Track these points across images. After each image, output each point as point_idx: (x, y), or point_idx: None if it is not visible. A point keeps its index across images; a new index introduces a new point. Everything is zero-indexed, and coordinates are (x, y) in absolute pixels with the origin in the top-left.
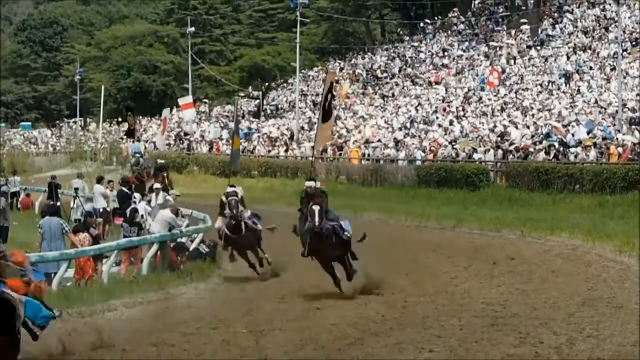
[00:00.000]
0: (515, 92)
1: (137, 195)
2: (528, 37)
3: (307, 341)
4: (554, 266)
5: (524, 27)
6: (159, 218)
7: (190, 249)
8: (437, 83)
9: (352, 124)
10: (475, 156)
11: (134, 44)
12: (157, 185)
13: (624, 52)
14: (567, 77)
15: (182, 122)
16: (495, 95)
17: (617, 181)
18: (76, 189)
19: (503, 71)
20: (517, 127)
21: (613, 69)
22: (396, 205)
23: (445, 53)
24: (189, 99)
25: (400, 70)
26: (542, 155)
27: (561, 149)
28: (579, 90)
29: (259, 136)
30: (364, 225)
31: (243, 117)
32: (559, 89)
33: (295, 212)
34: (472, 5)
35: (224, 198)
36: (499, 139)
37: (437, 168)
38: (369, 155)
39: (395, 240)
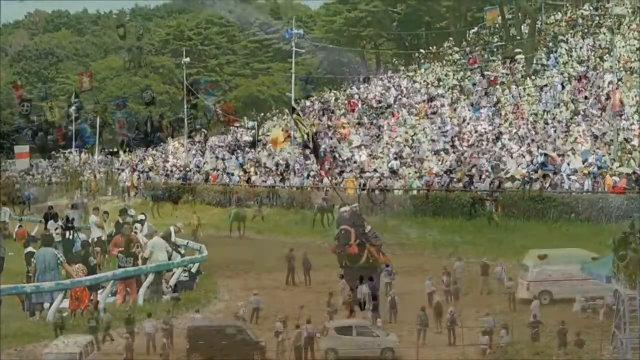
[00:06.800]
0: (510, 122)
1: (138, 225)
2: (523, 66)
3: None
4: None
5: (518, 57)
6: (161, 246)
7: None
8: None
9: (347, 153)
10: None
11: (129, 75)
12: (141, 216)
13: (619, 81)
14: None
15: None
16: (490, 125)
17: (612, 210)
18: (72, 220)
19: (498, 101)
20: (512, 157)
21: (608, 98)
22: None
23: (440, 83)
24: (25, 148)
25: (395, 100)
26: (537, 184)
27: (556, 178)
28: (573, 119)
29: (254, 166)
30: None
31: (239, 147)
32: (554, 118)
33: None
34: (467, 35)
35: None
36: (494, 168)
37: (432, 197)
38: (364, 184)
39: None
